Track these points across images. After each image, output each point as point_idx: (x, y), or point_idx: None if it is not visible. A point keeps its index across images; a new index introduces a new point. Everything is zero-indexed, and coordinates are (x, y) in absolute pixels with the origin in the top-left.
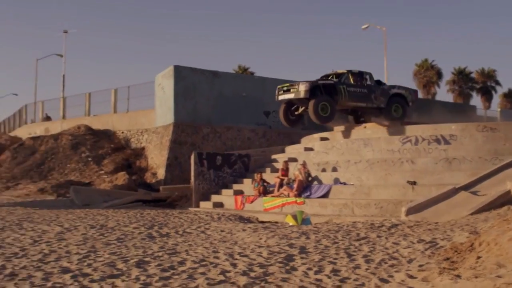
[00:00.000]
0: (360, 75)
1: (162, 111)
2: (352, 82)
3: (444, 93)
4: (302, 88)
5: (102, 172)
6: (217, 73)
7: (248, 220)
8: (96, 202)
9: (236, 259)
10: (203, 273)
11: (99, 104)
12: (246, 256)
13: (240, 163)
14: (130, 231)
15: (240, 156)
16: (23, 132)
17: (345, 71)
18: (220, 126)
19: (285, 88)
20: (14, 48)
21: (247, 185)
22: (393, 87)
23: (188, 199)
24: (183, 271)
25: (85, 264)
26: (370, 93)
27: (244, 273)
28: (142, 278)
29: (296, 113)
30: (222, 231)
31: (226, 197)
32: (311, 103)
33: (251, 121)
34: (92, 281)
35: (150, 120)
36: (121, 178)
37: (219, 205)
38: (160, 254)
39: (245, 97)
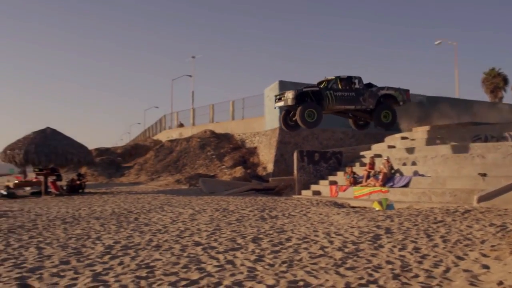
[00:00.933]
0: (348, 80)
1: (270, 118)
2: (340, 87)
3: (510, 97)
4: (290, 96)
5: (223, 166)
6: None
7: (341, 206)
8: (219, 191)
9: (332, 237)
10: (305, 248)
11: (220, 113)
12: (340, 235)
13: (334, 159)
14: (246, 214)
15: (334, 153)
16: (163, 136)
17: (333, 77)
18: (317, 128)
19: (278, 97)
20: (155, 71)
21: (340, 177)
22: (382, 88)
23: (292, 188)
24: (290, 246)
25: (212, 239)
26: (358, 96)
27: (339, 249)
28: (257, 251)
29: (294, 118)
30: (320, 214)
31: (322, 186)
32: (298, 110)
33: (343, 124)
34: (218, 252)
35: (261, 125)
36: (239, 171)
37: (317, 193)
38: (270, 232)
39: None
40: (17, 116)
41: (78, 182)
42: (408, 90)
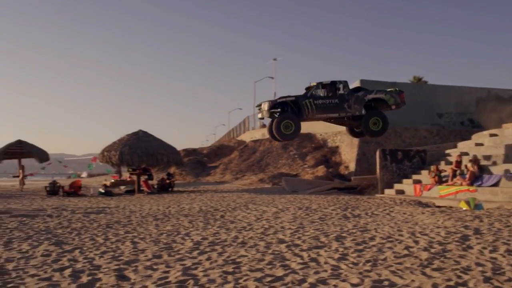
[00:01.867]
0: (332, 85)
1: None
2: (322, 94)
3: None
4: (265, 108)
5: (306, 166)
6: (395, 83)
7: (426, 205)
8: (302, 189)
9: (418, 237)
10: (390, 248)
11: None
12: (426, 235)
13: (418, 157)
14: (329, 212)
15: (417, 151)
16: (246, 137)
17: (315, 84)
18: (400, 127)
19: (258, 108)
20: (238, 74)
21: (424, 176)
22: (369, 92)
23: (374, 187)
24: (373, 245)
25: (296, 237)
26: (342, 103)
27: (425, 249)
28: (341, 249)
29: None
30: (404, 213)
31: (406, 185)
32: (274, 122)
33: (426, 122)
34: (302, 250)
35: None
36: (321, 170)
37: (400, 192)
38: (353, 231)
39: (421, 102)
40: (113, 119)
41: (167, 181)
42: (402, 92)
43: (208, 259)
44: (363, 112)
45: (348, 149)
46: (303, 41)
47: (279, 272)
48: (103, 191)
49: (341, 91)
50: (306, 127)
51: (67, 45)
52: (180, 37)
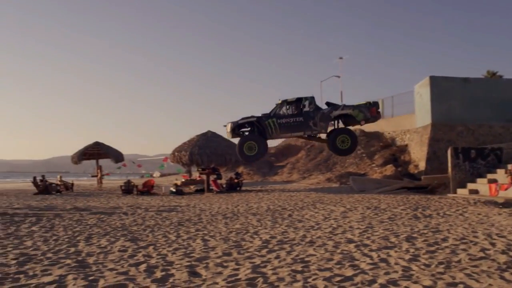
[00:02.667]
0: (297, 103)
1: (421, 114)
2: (286, 112)
3: None
4: (227, 129)
5: (374, 165)
6: (467, 79)
7: (502, 205)
8: (370, 189)
9: (494, 239)
10: (464, 250)
11: None
12: (503, 237)
13: (493, 156)
14: (399, 212)
15: (492, 149)
16: None
17: (279, 102)
18: (473, 124)
19: (225, 127)
20: (304, 73)
21: (500, 175)
22: (336, 108)
23: (446, 186)
24: (446, 247)
25: (365, 237)
26: (307, 120)
27: (503, 252)
28: (411, 250)
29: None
30: (479, 214)
31: (480, 185)
32: (237, 143)
33: (501, 118)
34: (371, 250)
35: (411, 122)
36: (389, 169)
37: (474, 192)
38: (425, 231)
39: (495, 97)
40: (184, 120)
41: (236, 180)
42: (373, 105)
43: (277, 257)
44: (333, 128)
45: (418, 148)
46: (370, 38)
47: (348, 272)
48: (174, 190)
49: (307, 108)
50: (373, 126)
51: (141, 40)
52: (250, 39)
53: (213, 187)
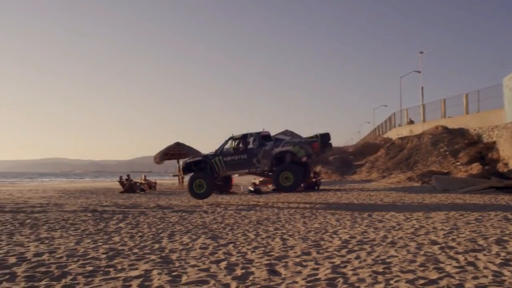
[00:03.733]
0: (243, 139)
1: (511, 109)
2: (232, 149)
3: None
4: (181, 167)
5: (458, 163)
6: None
7: None
8: (454, 188)
9: None
10: None
11: (452, 108)
12: None
13: None
14: (487, 213)
15: None
16: (392, 134)
17: (227, 139)
18: None
19: None
20: (383, 70)
21: None
22: (277, 144)
23: None
24: None
25: (450, 238)
26: (251, 157)
27: None
28: (502, 254)
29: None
30: None
31: None
32: (188, 181)
33: None
34: (457, 253)
35: (500, 117)
36: (475, 168)
37: None
38: None
39: None
40: (260, 119)
41: (314, 179)
42: (315, 141)
43: (357, 258)
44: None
45: (507, 145)
46: (451, 33)
47: (433, 275)
48: (252, 189)
49: (251, 145)
50: (457, 122)
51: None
52: (326, 35)
53: None
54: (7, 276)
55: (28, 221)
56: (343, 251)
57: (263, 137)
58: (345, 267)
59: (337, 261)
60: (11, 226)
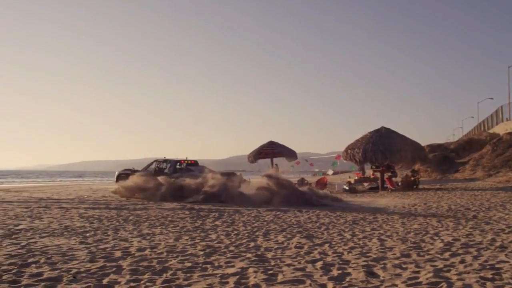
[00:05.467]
0: (161, 163)
1: None
2: (154, 170)
3: None
4: (116, 175)
5: None
6: None
7: None
8: None
9: None
10: None
11: None
12: None
13: None
14: None
15: None
16: (500, 129)
17: (153, 161)
18: None
19: None
20: (487, 60)
21: None
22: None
23: None
24: None
25: None
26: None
27: None
28: None
29: None
30: None
31: None
32: None
33: None
34: None
35: None
36: None
37: None
38: None
39: None
40: (355, 117)
41: (412, 178)
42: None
43: (462, 262)
44: None
45: None
46: None
47: None
48: (347, 188)
49: (166, 170)
50: None
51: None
52: (425, 22)
53: (388, 185)
54: (114, 269)
55: (131, 217)
56: (446, 254)
57: (188, 164)
58: (448, 271)
59: (439, 264)
60: (116, 222)
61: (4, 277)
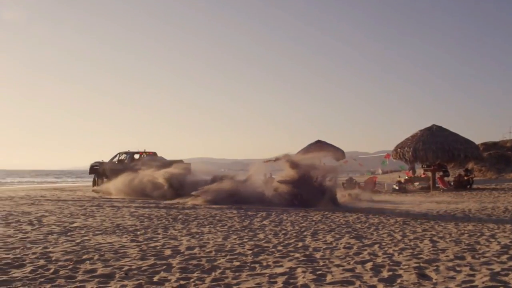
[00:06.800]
0: (121, 155)
1: None
2: (117, 161)
3: None
4: (89, 168)
5: None
6: None
7: None
8: None
9: None
10: None
11: None
12: None
13: None
14: None
15: None
16: None
17: (116, 153)
18: None
19: None
20: None
21: None
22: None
23: None
24: None
25: None
26: (125, 170)
27: None
28: None
29: None
30: None
31: None
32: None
33: None
34: None
35: None
36: None
37: None
38: None
39: None
40: (403, 115)
41: (465, 177)
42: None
43: None
44: None
45: None
46: None
47: None
48: (396, 187)
49: (126, 161)
50: None
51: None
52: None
53: (440, 185)
54: (164, 267)
55: (180, 216)
56: (504, 257)
57: (147, 155)
58: (506, 275)
59: (496, 268)
60: (166, 221)
61: (61, 273)
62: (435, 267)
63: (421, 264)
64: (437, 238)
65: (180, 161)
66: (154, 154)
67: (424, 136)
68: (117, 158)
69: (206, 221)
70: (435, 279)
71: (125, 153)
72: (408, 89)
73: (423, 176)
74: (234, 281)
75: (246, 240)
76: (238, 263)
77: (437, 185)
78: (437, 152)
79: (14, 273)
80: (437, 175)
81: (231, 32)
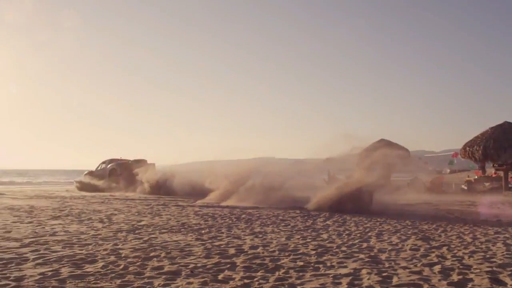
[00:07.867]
0: (102, 164)
1: None
2: (100, 168)
3: None
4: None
5: None
6: None
7: None
8: None
9: None
10: None
11: None
12: None
13: None
14: None
15: None
16: None
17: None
18: None
19: None
20: None
21: None
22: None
23: None
24: None
25: None
26: (104, 176)
27: None
28: None
29: None
30: None
31: None
32: None
33: None
34: None
35: None
36: None
37: None
38: None
39: None
40: (471, 112)
41: None
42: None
43: None
44: None
45: None
46: None
47: None
48: (465, 187)
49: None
50: None
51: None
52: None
53: None
54: (228, 265)
55: (243, 216)
56: None
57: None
58: None
59: None
60: (229, 220)
61: (130, 269)
62: (510, 272)
63: (494, 268)
64: (511, 242)
65: (142, 160)
66: (128, 161)
67: (495, 133)
68: (100, 165)
69: (269, 220)
70: (510, 285)
71: (109, 160)
72: (477, 84)
73: (494, 176)
74: (298, 281)
75: (310, 240)
76: (301, 263)
77: (510, 186)
78: (509, 150)
79: (87, 268)
80: (510, 174)
81: (300, 34)
